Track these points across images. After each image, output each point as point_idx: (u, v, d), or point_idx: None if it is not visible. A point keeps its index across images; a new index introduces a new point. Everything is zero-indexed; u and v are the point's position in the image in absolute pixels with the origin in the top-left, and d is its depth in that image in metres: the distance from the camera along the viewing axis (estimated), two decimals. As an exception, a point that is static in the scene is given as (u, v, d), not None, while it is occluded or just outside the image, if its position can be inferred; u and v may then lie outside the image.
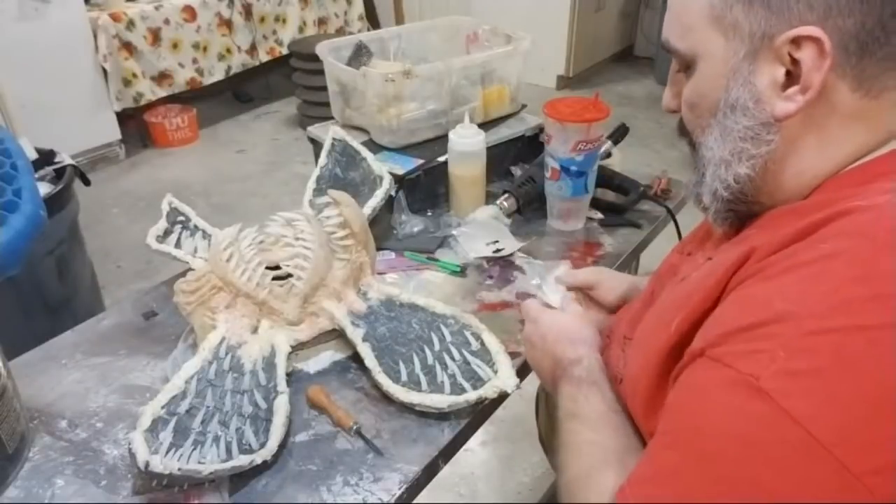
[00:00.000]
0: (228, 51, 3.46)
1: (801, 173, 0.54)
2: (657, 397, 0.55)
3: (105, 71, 3.00)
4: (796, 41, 0.48)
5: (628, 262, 1.14)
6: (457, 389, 0.78)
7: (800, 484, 0.40)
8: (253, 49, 3.58)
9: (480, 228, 1.14)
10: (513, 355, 0.86)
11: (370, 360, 0.82)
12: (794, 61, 0.49)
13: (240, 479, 0.71)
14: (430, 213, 1.22)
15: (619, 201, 1.21)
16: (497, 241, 1.11)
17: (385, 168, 1.12)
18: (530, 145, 1.33)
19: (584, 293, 0.88)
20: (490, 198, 1.22)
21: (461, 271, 1.06)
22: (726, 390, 0.44)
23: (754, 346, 0.43)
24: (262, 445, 0.71)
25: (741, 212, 0.59)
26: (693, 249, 0.69)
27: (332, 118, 1.37)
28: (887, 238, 0.44)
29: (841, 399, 0.40)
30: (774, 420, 0.41)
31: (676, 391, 0.50)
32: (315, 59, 1.38)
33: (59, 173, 1.67)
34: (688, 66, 0.57)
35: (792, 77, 0.50)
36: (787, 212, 0.54)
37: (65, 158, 1.70)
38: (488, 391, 0.77)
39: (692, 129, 0.60)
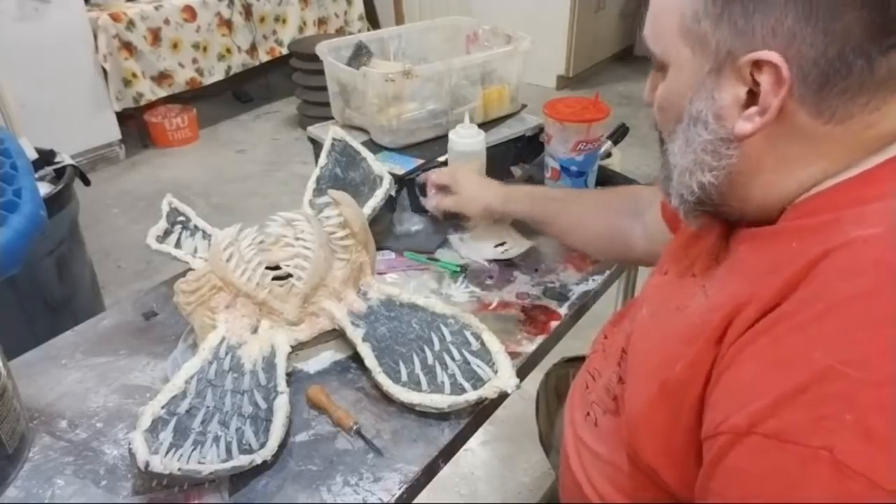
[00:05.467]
0: (228, 51, 3.46)
1: (768, 188, 0.53)
2: (673, 443, 0.53)
3: (105, 71, 3.00)
4: (757, 64, 0.48)
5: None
6: (457, 389, 0.78)
7: None
8: (253, 49, 3.58)
9: (486, 230, 1.14)
10: (513, 355, 0.86)
11: (370, 360, 0.82)
12: (756, 82, 0.49)
13: (240, 479, 0.71)
14: (430, 213, 1.22)
15: (619, 201, 1.21)
16: (504, 243, 1.11)
17: (385, 168, 1.12)
18: (530, 145, 1.33)
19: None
20: (490, 198, 1.22)
21: (461, 271, 1.06)
22: (801, 472, 0.39)
23: (812, 412, 0.40)
24: (262, 445, 0.71)
25: (711, 212, 0.58)
26: (672, 268, 0.66)
27: (332, 118, 1.37)
28: None
29: None
30: (866, 493, 0.37)
31: (736, 481, 0.44)
32: (315, 59, 1.38)
33: (59, 173, 1.67)
34: (662, 69, 0.57)
35: (754, 97, 0.50)
36: (770, 238, 0.52)
37: (65, 158, 1.70)
38: (488, 391, 0.77)
39: (661, 130, 0.60)
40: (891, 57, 0.46)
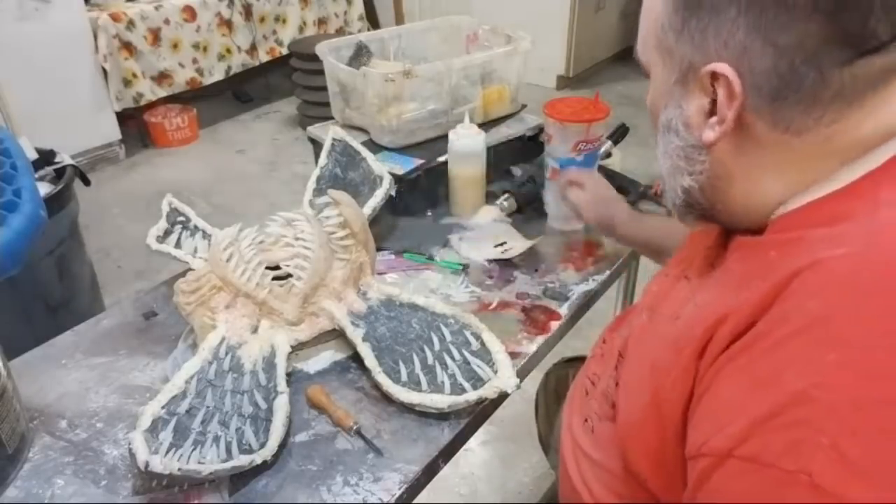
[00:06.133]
0: (228, 51, 3.46)
1: (746, 195, 0.54)
2: (661, 455, 0.53)
3: (105, 71, 3.00)
4: (714, 75, 0.49)
5: (628, 263, 1.14)
6: (457, 389, 0.78)
7: None
8: (253, 49, 3.58)
9: (486, 231, 1.14)
10: (513, 355, 0.86)
11: (370, 360, 0.82)
12: (716, 93, 0.50)
13: (240, 479, 0.71)
14: (430, 213, 1.22)
15: (619, 201, 1.21)
16: (505, 243, 1.11)
17: (385, 168, 1.12)
18: (530, 145, 1.33)
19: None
20: (490, 198, 1.22)
21: (462, 270, 1.06)
22: (780, 495, 0.40)
23: (787, 436, 0.40)
24: (262, 445, 0.71)
25: (704, 214, 0.59)
26: (671, 271, 0.67)
27: (332, 118, 1.37)
28: (875, 288, 0.42)
29: None
30: None
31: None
32: (315, 59, 1.38)
33: (59, 173, 1.67)
34: (648, 76, 0.58)
35: (716, 106, 0.51)
36: (754, 248, 0.53)
37: (65, 158, 1.70)
38: (488, 391, 0.77)
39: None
40: (844, 71, 0.46)
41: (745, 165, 0.53)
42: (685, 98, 0.53)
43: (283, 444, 0.74)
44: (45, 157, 1.69)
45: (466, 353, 0.83)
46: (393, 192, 1.09)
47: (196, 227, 1.08)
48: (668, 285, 0.65)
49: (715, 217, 0.58)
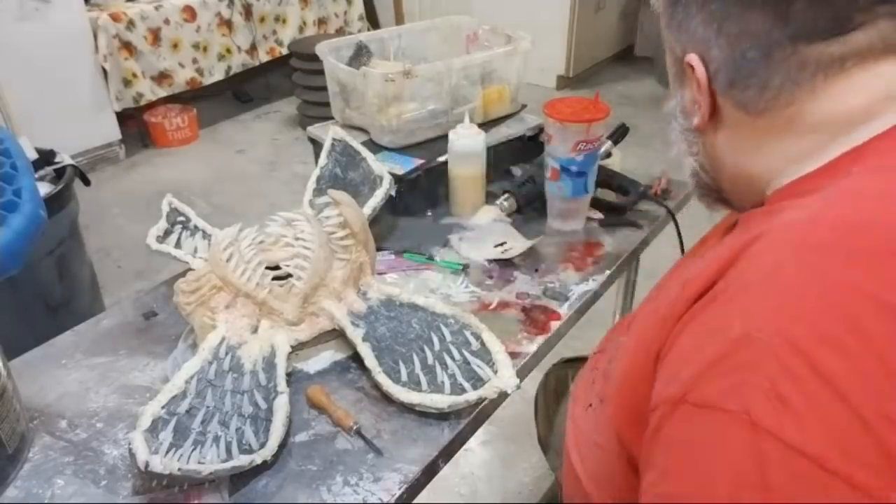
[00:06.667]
0: (228, 51, 3.46)
1: (738, 172, 0.59)
2: (641, 407, 0.53)
3: (105, 71, 3.00)
4: (689, 64, 0.56)
5: (628, 262, 1.14)
6: (457, 389, 0.78)
7: None
8: (253, 49, 3.58)
9: (486, 231, 1.14)
10: (513, 355, 0.86)
11: (370, 360, 0.82)
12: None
13: (240, 479, 0.71)
14: (429, 213, 1.22)
15: (619, 201, 1.21)
16: (505, 243, 1.11)
17: (385, 168, 1.12)
18: (530, 145, 1.33)
19: None
20: (490, 198, 1.22)
21: (462, 270, 1.06)
22: (722, 435, 0.42)
23: (733, 378, 0.42)
24: (262, 445, 0.71)
25: (717, 197, 0.66)
26: (689, 253, 0.72)
27: (332, 118, 1.37)
28: (825, 243, 0.44)
29: (832, 416, 0.39)
30: (780, 455, 0.39)
31: (669, 449, 0.46)
32: (315, 59, 1.38)
33: (59, 173, 1.67)
34: None
35: None
36: (743, 222, 0.57)
37: (65, 158, 1.70)
38: (488, 391, 0.77)
39: None
40: (791, 58, 0.51)
41: (729, 146, 0.59)
42: (681, 87, 0.60)
43: (283, 444, 0.74)
44: (45, 157, 1.69)
45: (466, 353, 0.83)
46: (393, 192, 1.09)
47: (196, 227, 1.08)
48: (681, 263, 0.71)
49: (725, 197, 0.64)
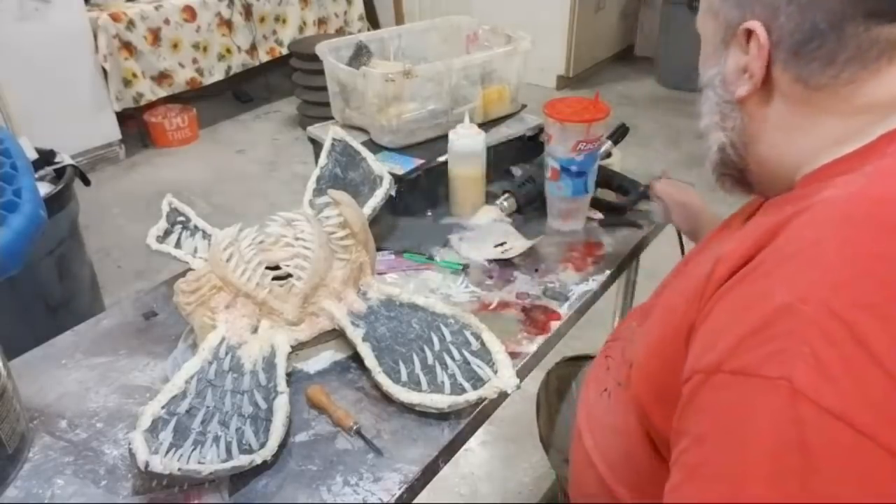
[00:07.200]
0: (228, 51, 3.46)
1: (775, 150, 0.58)
2: (668, 383, 0.54)
3: (105, 71, 3.00)
4: (748, 32, 0.54)
5: (628, 262, 1.14)
6: (457, 389, 0.78)
7: (860, 481, 0.40)
8: (253, 49, 3.58)
9: (486, 231, 1.14)
10: (513, 355, 0.86)
11: (370, 360, 0.82)
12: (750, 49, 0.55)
13: (240, 479, 0.71)
14: (429, 213, 1.22)
15: (619, 201, 1.21)
16: (505, 243, 1.11)
17: (385, 168, 1.12)
18: (530, 145, 1.33)
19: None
20: (490, 198, 1.22)
21: (462, 270, 1.06)
22: (762, 401, 0.42)
23: (773, 346, 0.42)
24: (262, 445, 0.71)
25: (737, 177, 0.64)
26: (701, 246, 0.72)
27: (332, 118, 1.37)
28: (867, 218, 0.45)
29: (869, 381, 0.40)
30: (818, 420, 0.40)
31: (704, 415, 0.46)
32: (315, 59, 1.38)
33: (59, 173, 1.67)
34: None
35: None
36: (776, 204, 0.57)
37: (65, 158, 1.70)
38: (488, 391, 0.77)
39: None
40: (861, 35, 0.50)
41: (772, 120, 0.57)
42: (725, 56, 0.58)
43: (283, 444, 0.74)
44: (45, 157, 1.69)
45: (466, 353, 0.83)
46: (393, 192, 1.09)
47: (196, 227, 1.08)
48: (698, 250, 0.71)
49: (748, 179, 0.63)
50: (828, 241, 0.45)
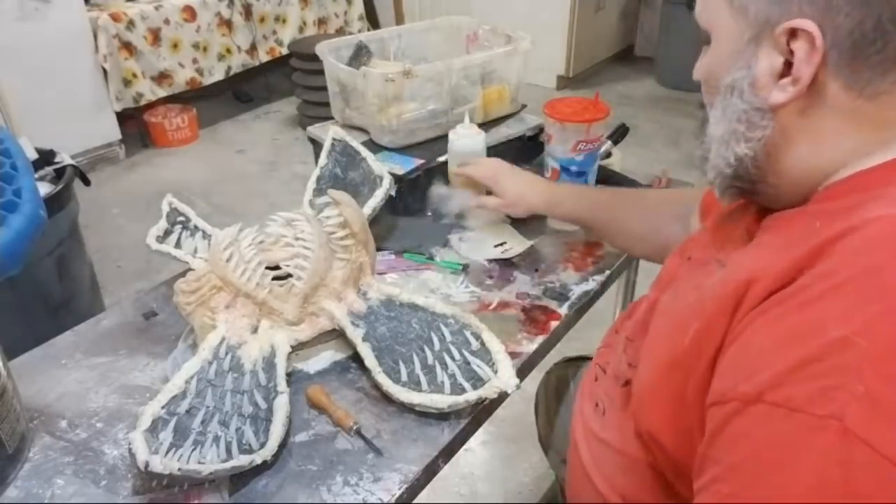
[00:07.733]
0: (228, 51, 3.46)
1: (802, 163, 0.53)
2: (679, 412, 0.52)
3: (105, 71, 3.00)
4: (793, 32, 0.48)
5: (628, 262, 1.14)
6: (457, 389, 0.78)
7: None
8: (253, 49, 3.58)
9: (486, 231, 1.14)
10: (513, 355, 0.86)
11: (370, 360, 0.82)
12: (792, 52, 0.49)
13: (240, 479, 0.71)
14: (430, 213, 1.22)
15: (619, 201, 1.21)
16: (505, 243, 1.11)
17: (385, 168, 1.12)
18: (530, 145, 1.33)
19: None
20: (490, 198, 1.22)
21: (462, 270, 1.06)
22: (807, 439, 0.40)
23: (824, 382, 0.40)
24: (262, 445, 0.71)
25: (746, 189, 0.58)
26: (696, 254, 0.67)
27: (332, 118, 1.37)
28: None
29: None
30: (870, 463, 0.38)
31: (738, 446, 0.44)
32: (315, 59, 1.38)
33: (59, 173, 1.67)
34: (707, 41, 0.57)
35: (789, 67, 0.50)
36: (796, 217, 0.53)
37: (65, 158, 1.70)
38: (488, 391, 0.77)
39: (706, 103, 0.60)
40: None
41: (808, 130, 0.52)
42: (756, 57, 0.51)
43: (283, 444, 0.74)
44: (45, 157, 1.69)
45: (466, 353, 0.83)
46: (393, 192, 1.09)
47: (196, 227, 1.08)
48: (692, 265, 0.65)
49: (757, 192, 0.58)
50: (882, 269, 0.42)
